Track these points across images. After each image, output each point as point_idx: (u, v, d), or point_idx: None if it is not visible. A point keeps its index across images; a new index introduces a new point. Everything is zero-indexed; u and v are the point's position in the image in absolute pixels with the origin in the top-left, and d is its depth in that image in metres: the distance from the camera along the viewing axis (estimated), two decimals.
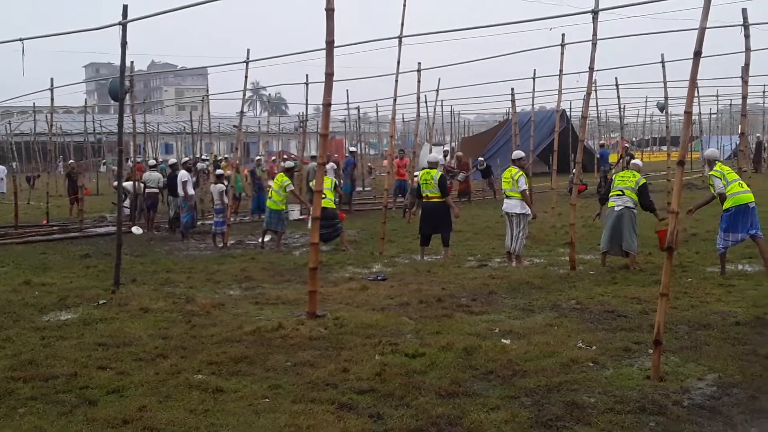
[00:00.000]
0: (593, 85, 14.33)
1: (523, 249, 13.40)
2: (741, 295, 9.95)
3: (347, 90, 39.01)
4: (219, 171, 18.60)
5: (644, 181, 12.58)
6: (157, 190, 20.63)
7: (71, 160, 30.89)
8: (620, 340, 7.89)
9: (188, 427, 5.75)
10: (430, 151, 28.69)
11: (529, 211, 13.36)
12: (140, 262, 14.55)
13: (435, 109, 32.71)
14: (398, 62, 15.59)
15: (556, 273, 12.28)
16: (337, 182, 17.15)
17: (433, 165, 14.44)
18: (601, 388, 6.39)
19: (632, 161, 13.75)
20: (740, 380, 6.49)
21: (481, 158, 29.46)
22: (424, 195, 14.16)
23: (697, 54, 6.77)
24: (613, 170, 22.78)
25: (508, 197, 13.49)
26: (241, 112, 20.20)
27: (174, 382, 6.88)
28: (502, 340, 7.98)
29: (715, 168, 11.85)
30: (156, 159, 28.86)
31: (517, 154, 14.21)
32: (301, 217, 21.34)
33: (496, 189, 26.63)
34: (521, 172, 13.40)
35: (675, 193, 6.97)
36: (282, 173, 17.16)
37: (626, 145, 33.29)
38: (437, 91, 28.17)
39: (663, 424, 5.57)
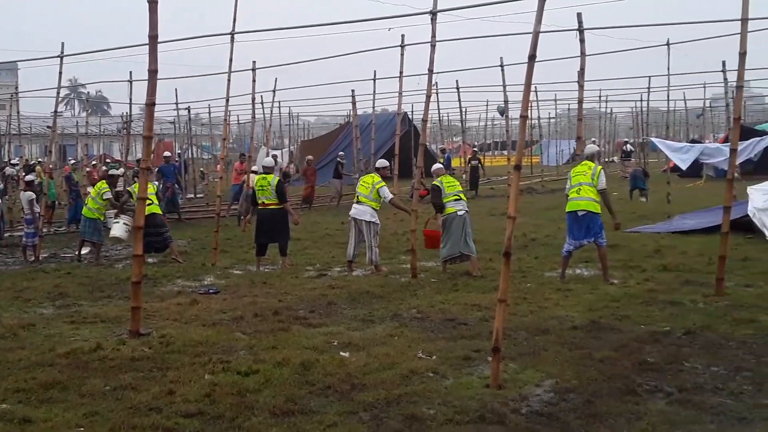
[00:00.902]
0: (434, 87, 14.69)
1: (379, 257, 13.60)
2: (578, 299, 10.48)
3: (176, 89, 38.12)
4: (29, 177, 17.70)
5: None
6: None
7: None
8: (460, 348, 8.10)
9: None
10: (267, 153, 28.53)
11: (378, 220, 13.63)
12: None
13: (272, 111, 32.46)
14: (230, 60, 15.39)
15: (397, 281, 12.49)
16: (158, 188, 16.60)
17: (269, 170, 14.35)
18: (441, 399, 6.53)
19: (433, 168, 13.94)
20: (576, 385, 6.81)
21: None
22: (260, 202, 14.03)
23: (532, 58, 7.08)
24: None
25: (359, 203, 13.60)
26: (55, 111, 19.27)
27: None
28: (341, 353, 8.02)
29: (574, 167, 12.47)
30: None
31: (382, 162, 14.68)
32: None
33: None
34: (383, 183, 13.70)
35: (512, 198, 7.21)
36: (102, 180, 16.54)
37: (474, 149, 34.52)
38: (274, 91, 28.09)
39: None
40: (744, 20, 10.50)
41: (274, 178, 14.01)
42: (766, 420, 5.89)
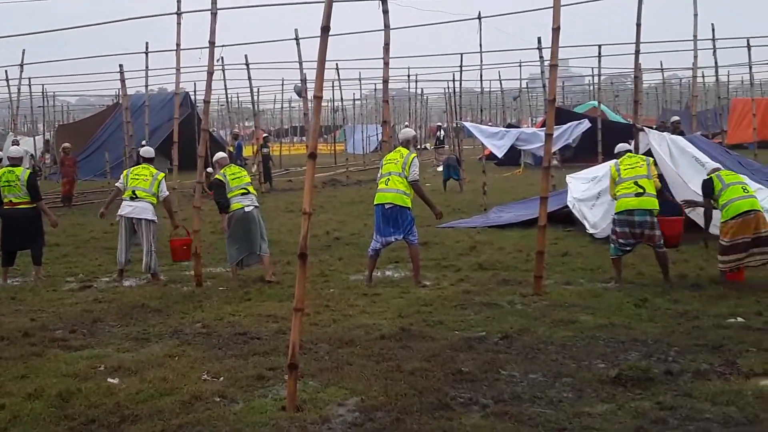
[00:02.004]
0: (218, 63, 14.53)
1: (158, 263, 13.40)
2: (386, 304, 10.71)
3: None
4: None
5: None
6: None
7: None
8: (252, 366, 8.06)
9: None
10: (12, 143, 27.16)
11: (156, 218, 13.45)
12: None
13: (19, 89, 30.97)
14: None
15: (178, 291, 12.28)
16: None
17: (16, 161, 13.66)
18: (228, 427, 6.47)
19: (216, 157, 13.94)
20: (384, 402, 6.93)
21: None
22: (6, 200, 13.30)
23: (325, 29, 7.09)
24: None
25: (134, 198, 13.22)
26: None
27: None
28: (109, 380, 7.77)
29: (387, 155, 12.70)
30: None
31: (147, 151, 14.51)
32: None
33: None
34: (160, 173, 13.69)
35: (306, 191, 7.12)
36: None
37: (265, 135, 34.39)
38: (21, 65, 26.82)
39: None
40: None
41: (24, 172, 13.32)
42: (586, 429, 6.24)
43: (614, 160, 12.24)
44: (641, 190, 11.39)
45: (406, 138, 12.89)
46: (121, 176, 13.79)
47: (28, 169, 13.62)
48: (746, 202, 11.03)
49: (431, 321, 9.73)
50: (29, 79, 35.62)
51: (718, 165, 12.66)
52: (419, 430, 6.29)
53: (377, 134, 47.39)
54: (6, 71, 28.12)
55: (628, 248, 11.71)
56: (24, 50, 25.95)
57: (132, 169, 14.00)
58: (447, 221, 18.21)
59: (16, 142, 27.27)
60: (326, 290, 11.75)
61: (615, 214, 11.67)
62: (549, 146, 11.68)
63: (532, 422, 6.39)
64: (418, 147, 47.02)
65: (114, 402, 7.11)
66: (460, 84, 39.01)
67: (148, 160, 13.99)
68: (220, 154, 13.95)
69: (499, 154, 24.52)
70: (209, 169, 17.96)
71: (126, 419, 6.72)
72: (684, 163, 14.47)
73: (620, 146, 12.61)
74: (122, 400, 7.16)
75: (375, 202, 12.17)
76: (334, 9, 7.22)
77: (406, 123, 49.88)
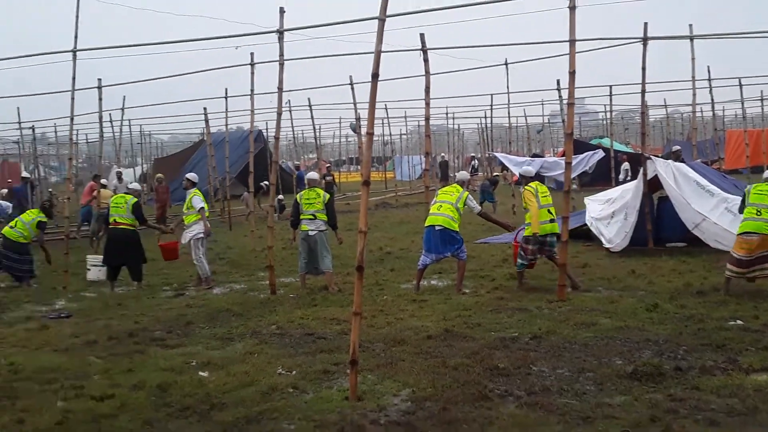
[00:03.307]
0: (285, 105, 14.67)
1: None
2: (432, 309, 10.68)
3: (18, 107, 36.22)
4: None
5: (329, 196, 13.10)
6: None
7: None
8: (320, 362, 8.10)
9: None
10: (118, 176, 27.53)
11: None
12: None
13: (121, 129, 31.51)
14: (74, 78, 14.82)
15: (256, 298, 12.35)
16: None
17: (131, 192, 14.17)
18: (301, 414, 6.50)
19: (308, 175, 14.06)
20: (432, 393, 6.93)
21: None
22: (111, 219, 13.57)
23: (375, 76, 7.16)
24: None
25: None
26: None
27: None
28: (200, 373, 7.86)
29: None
30: None
31: (193, 176, 14.66)
32: None
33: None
34: (200, 193, 14.02)
35: (362, 213, 7.27)
36: None
37: (327, 165, 34.52)
38: (123, 109, 27.29)
39: None
40: (572, 41, 11.06)
41: (131, 199, 13.63)
42: (607, 417, 6.18)
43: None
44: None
45: (462, 180, 12.88)
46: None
47: (135, 198, 13.86)
48: (753, 224, 10.62)
49: (471, 323, 9.70)
50: (129, 120, 36.29)
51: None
52: (463, 417, 6.28)
53: (421, 164, 47.27)
54: (110, 114, 28.63)
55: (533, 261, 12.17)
56: (124, 96, 26.47)
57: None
58: (481, 237, 18.20)
59: (119, 174, 27.65)
60: (380, 297, 11.75)
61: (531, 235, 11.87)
62: (569, 173, 11.62)
63: (560, 411, 6.35)
64: (454, 174, 46.94)
65: (204, 392, 7.20)
66: (491, 120, 39.03)
67: (193, 184, 14.28)
68: (312, 174, 14.12)
69: None
70: (265, 183, 18.22)
71: (215, 407, 6.80)
72: (686, 187, 14.29)
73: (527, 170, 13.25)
74: (211, 390, 7.25)
75: (426, 224, 12.19)
76: (382, 58, 7.28)
77: (443, 154, 49.80)
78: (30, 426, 6.44)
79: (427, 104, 15.46)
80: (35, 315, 11.66)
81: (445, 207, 12.09)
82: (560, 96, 26.68)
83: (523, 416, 6.28)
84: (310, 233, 12.59)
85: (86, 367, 8.35)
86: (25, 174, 29.06)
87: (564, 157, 12.33)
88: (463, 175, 13.21)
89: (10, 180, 29.68)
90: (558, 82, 25.86)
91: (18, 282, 14.50)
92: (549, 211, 11.94)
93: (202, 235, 13.59)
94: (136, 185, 15.38)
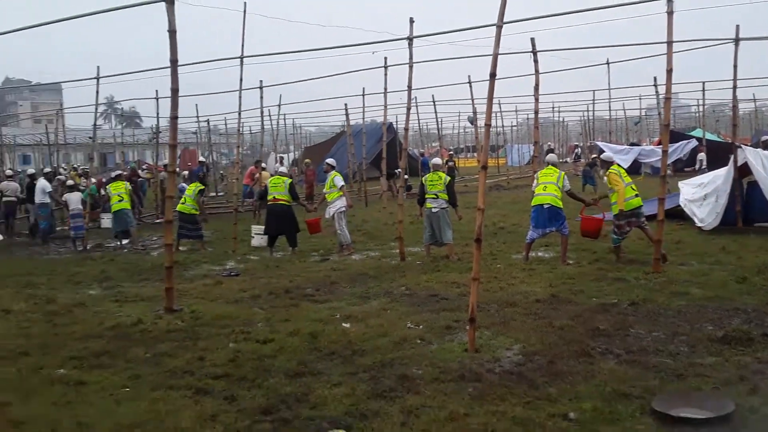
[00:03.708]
0: (413, 101, 14.68)
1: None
2: (540, 277, 10.49)
3: (196, 104, 37.77)
4: (70, 182, 17.84)
5: (449, 178, 13.02)
6: (15, 199, 19.23)
7: None
8: (443, 319, 8.12)
9: (51, 419, 5.40)
10: (276, 160, 28.34)
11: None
12: (0, 266, 13.48)
13: (278, 122, 32.32)
14: (241, 80, 15.33)
15: (388, 264, 12.47)
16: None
17: (283, 173, 14.70)
18: (427, 361, 6.55)
19: (432, 161, 14.16)
20: (540, 349, 6.84)
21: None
22: (270, 197, 14.04)
23: (492, 75, 7.12)
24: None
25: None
26: (95, 124, 19.20)
27: (36, 377, 6.46)
28: (343, 324, 8.02)
29: (541, 170, 12.45)
30: (13, 169, 26.75)
31: (331, 161, 15.03)
32: (158, 221, 20.59)
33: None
34: (339, 174, 14.32)
35: (480, 193, 7.28)
36: (117, 180, 16.77)
37: (450, 152, 34.38)
38: (279, 105, 27.95)
39: (479, 389, 5.78)
40: (669, 42, 10.53)
41: (287, 180, 14.15)
42: (698, 376, 5.93)
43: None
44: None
45: (554, 161, 12.61)
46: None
47: (290, 179, 14.35)
48: None
49: (574, 290, 9.47)
50: (284, 115, 37.12)
51: None
52: (567, 370, 6.17)
53: (530, 151, 46.52)
54: (269, 110, 29.37)
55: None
56: (281, 95, 27.07)
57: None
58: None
59: (281, 159, 28.64)
60: (494, 266, 11.64)
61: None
62: (665, 160, 11.14)
63: (655, 369, 6.14)
64: (561, 160, 45.78)
65: (347, 340, 7.35)
66: (593, 113, 37.75)
67: (332, 168, 14.55)
68: (436, 160, 14.27)
69: (624, 165, 23.52)
70: (398, 170, 18.43)
71: (356, 353, 6.94)
72: None
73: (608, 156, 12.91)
74: (353, 339, 7.39)
75: (534, 203, 11.95)
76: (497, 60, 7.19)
77: (549, 143, 48.59)
78: (209, 362, 6.76)
79: (536, 99, 15.22)
80: (211, 273, 12.22)
81: (550, 187, 11.84)
82: (657, 91, 25.57)
83: (622, 371, 6.10)
84: (433, 210, 12.63)
85: (252, 316, 8.67)
86: (201, 159, 30.45)
87: (660, 146, 11.82)
88: (553, 157, 12.93)
89: (189, 163, 31.12)
90: (655, 79, 24.79)
91: (196, 240, 15.39)
92: (632, 187, 11.50)
93: (344, 209, 13.88)
94: (284, 169, 15.88)
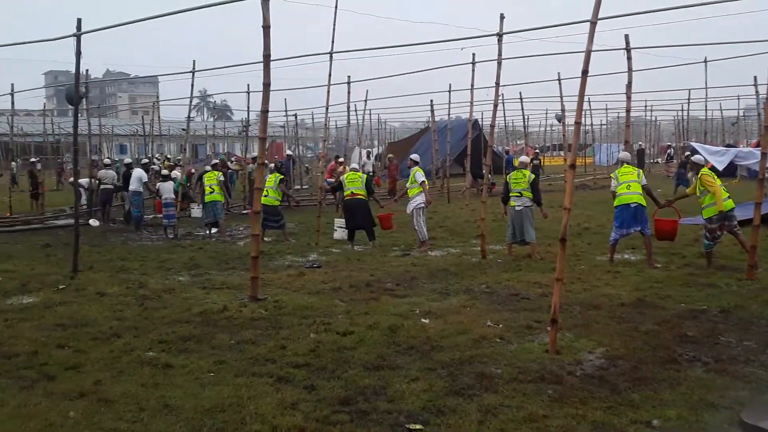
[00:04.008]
0: (500, 98, 14.54)
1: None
2: (625, 280, 10.22)
3: (285, 99, 38.49)
4: (164, 171, 18.49)
5: (533, 177, 12.83)
6: (111, 187, 20.13)
7: (32, 159, 29.46)
8: (523, 319, 8.02)
9: (139, 399, 5.63)
10: (360, 155, 28.63)
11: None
12: (97, 252, 14.16)
13: (364, 117, 32.69)
14: (329, 75, 15.50)
15: (469, 261, 12.40)
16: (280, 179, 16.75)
17: (357, 169, 14.89)
18: (506, 361, 6.49)
19: (520, 159, 13.98)
20: (624, 353, 6.66)
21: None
22: (348, 192, 14.21)
23: (585, 72, 6.94)
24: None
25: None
26: (189, 117, 19.88)
27: (127, 358, 6.74)
28: (422, 320, 8.02)
29: (618, 169, 12.13)
30: (110, 158, 28.00)
31: (415, 157, 15.01)
32: (244, 212, 21.14)
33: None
34: (421, 170, 14.29)
35: (567, 192, 7.11)
36: (213, 170, 17.20)
37: (536, 151, 33.85)
38: (365, 101, 28.27)
39: (559, 391, 5.69)
40: None
41: (363, 175, 14.36)
42: None
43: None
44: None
45: (628, 159, 12.35)
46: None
47: (366, 174, 14.51)
48: None
49: (661, 294, 9.18)
50: (370, 110, 37.56)
51: None
52: (652, 377, 5.98)
53: (618, 150, 45.19)
54: (355, 105, 29.77)
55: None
56: (367, 90, 27.46)
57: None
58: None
59: (369, 152, 28.96)
60: (578, 267, 11.39)
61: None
62: (764, 163, 10.61)
63: (746, 379, 5.88)
64: (652, 161, 44.44)
65: (425, 336, 7.36)
66: (687, 113, 36.43)
67: (416, 163, 14.50)
68: (523, 158, 14.13)
69: (720, 168, 22.57)
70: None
71: (434, 348, 6.93)
72: None
73: (698, 158, 12.19)
74: (431, 334, 7.39)
75: (621, 203, 11.59)
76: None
77: (640, 143, 47.05)
78: (290, 351, 6.90)
79: (628, 97, 14.84)
80: (294, 264, 12.45)
81: (634, 186, 11.53)
82: (757, 91, 24.42)
83: (710, 380, 5.88)
84: (517, 208, 12.50)
85: (332, 307, 8.79)
86: (288, 152, 31.05)
87: (758, 148, 11.27)
88: (626, 155, 12.62)
89: (276, 156, 31.77)
90: (755, 78, 23.70)
91: (280, 230, 15.68)
92: (725, 189, 11.05)
93: (423, 205, 13.88)
94: (355, 165, 16.02)
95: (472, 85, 18.45)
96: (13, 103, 24.91)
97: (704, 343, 6.97)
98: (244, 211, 21.19)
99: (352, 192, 14.23)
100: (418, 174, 14.06)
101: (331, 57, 15.55)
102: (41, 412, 5.41)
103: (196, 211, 19.83)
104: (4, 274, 11.50)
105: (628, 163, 12.12)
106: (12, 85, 24.42)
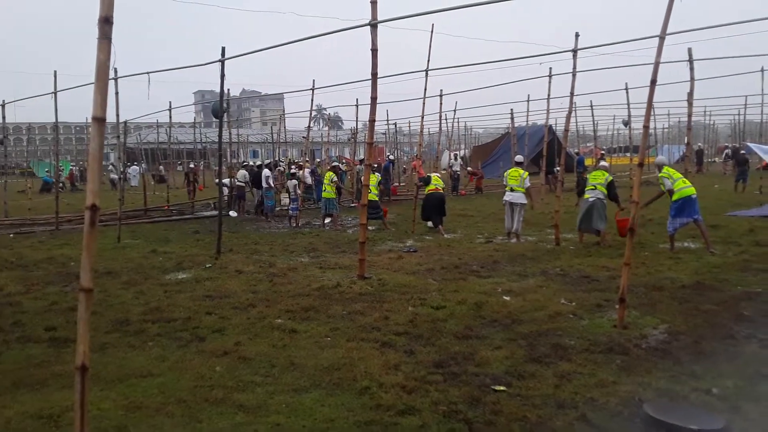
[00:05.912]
0: (573, 106, 14.06)
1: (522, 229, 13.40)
2: (686, 265, 9.73)
3: (387, 110, 38.77)
4: (292, 170, 18.91)
5: (611, 178, 12.37)
6: (244, 184, 20.88)
7: (192, 163, 30.79)
8: (594, 298, 7.79)
9: (271, 357, 5.84)
10: (450, 157, 28.45)
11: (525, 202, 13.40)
12: (235, 237, 14.72)
13: (453, 125, 32.37)
14: (425, 89, 15.42)
15: (544, 248, 12.12)
16: (380, 179, 16.95)
17: (437, 172, 15.08)
18: (578, 334, 6.33)
19: (601, 163, 13.56)
20: (685, 330, 6.37)
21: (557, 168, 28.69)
22: (433, 186, 14.59)
23: (653, 82, 6.65)
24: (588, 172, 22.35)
25: (513, 191, 13.21)
26: (308, 126, 20.28)
27: (260, 324, 6.99)
28: (504, 297, 7.94)
29: (662, 170, 11.60)
30: (246, 161, 29.02)
31: (519, 158, 14.35)
32: (353, 205, 21.44)
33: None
34: (527, 173, 13.56)
35: (635, 187, 6.88)
36: (330, 171, 17.38)
37: (602, 152, 32.66)
38: (455, 111, 28.06)
39: (626, 362, 5.50)
40: None
41: (440, 177, 14.56)
42: None
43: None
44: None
45: (663, 164, 11.90)
46: (504, 176, 13.97)
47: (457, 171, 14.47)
48: None
49: (719, 278, 8.68)
50: (458, 118, 37.21)
51: None
52: (712, 351, 5.69)
53: (680, 151, 43.15)
54: (446, 114, 29.58)
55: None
56: (456, 101, 27.28)
57: (509, 171, 13.92)
58: (731, 211, 16.13)
59: (455, 154, 28.75)
60: (643, 253, 10.89)
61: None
62: None
63: None
64: (709, 160, 42.02)
65: (507, 311, 7.27)
66: (744, 117, 34.16)
67: (519, 164, 14.02)
68: (603, 163, 13.72)
69: None
70: (557, 169, 17.81)
71: (515, 321, 6.84)
72: None
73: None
74: (512, 310, 7.30)
75: (684, 194, 11.08)
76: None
77: (699, 144, 44.50)
78: (392, 321, 6.97)
79: (690, 104, 14.12)
80: (394, 248, 12.53)
81: (686, 180, 11.22)
82: None
83: (765, 355, 5.53)
84: (590, 199, 12.13)
85: (427, 285, 8.79)
86: (390, 156, 31.19)
87: None
88: (662, 159, 12.21)
89: (378, 159, 31.98)
90: None
91: (379, 220, 15.78)
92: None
93: (524, 203, 13.44)
94: (457, 166, 16.02)
95: (549, 96, 17.97)
96: (170, 116, 26.23)
97: (759, 322, 6.56)
98: (352, 205, 21.47)
99: (436, 186, 14.75)
100: (528, 179, 13.48)
101: (426, 74, 15.49)
102: (194, 366, 5.70)
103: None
104: (163, 255, 12.14)
105: (666, 165, 11.74)
106: (170, 102, 25.75)
